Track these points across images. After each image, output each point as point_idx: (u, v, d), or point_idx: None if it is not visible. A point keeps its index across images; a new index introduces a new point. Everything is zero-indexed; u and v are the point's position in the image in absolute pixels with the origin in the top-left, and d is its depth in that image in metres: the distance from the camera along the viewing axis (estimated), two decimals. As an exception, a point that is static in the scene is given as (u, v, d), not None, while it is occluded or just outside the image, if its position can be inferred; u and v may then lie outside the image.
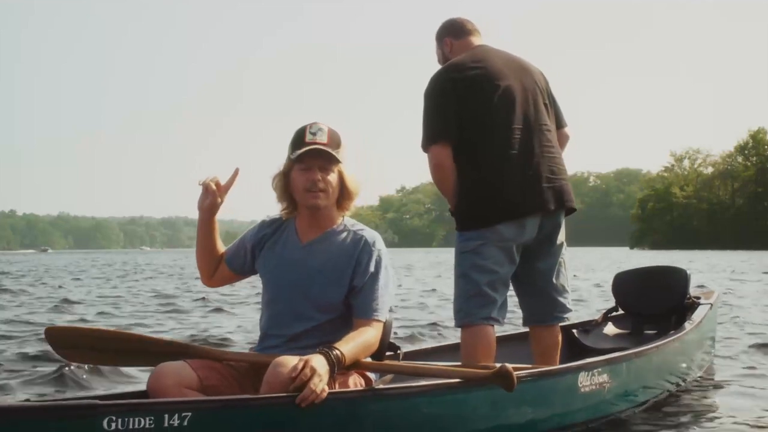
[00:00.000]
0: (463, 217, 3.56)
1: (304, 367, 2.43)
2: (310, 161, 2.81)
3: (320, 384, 2.43)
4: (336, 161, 2.82)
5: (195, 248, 3.04)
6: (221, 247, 3.05)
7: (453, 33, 3.77)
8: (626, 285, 5.16)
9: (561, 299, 3.68)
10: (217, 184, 2.93)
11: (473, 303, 3.49)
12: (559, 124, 3.81)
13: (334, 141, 2.84)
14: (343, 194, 2.88)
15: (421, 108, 3.59)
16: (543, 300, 3.68)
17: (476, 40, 3.75)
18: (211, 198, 2.92)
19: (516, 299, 3.79)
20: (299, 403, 2.39)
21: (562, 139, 3.82)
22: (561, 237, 3.67)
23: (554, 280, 3.66)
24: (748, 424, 3.65)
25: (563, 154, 3.84)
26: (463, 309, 3.53)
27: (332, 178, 2.84)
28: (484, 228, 3.48)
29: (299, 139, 2.84)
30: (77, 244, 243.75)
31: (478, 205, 3.50)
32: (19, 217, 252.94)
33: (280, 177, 2.91)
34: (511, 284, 3.66)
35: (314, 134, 2.83)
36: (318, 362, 2.47)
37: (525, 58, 3.77)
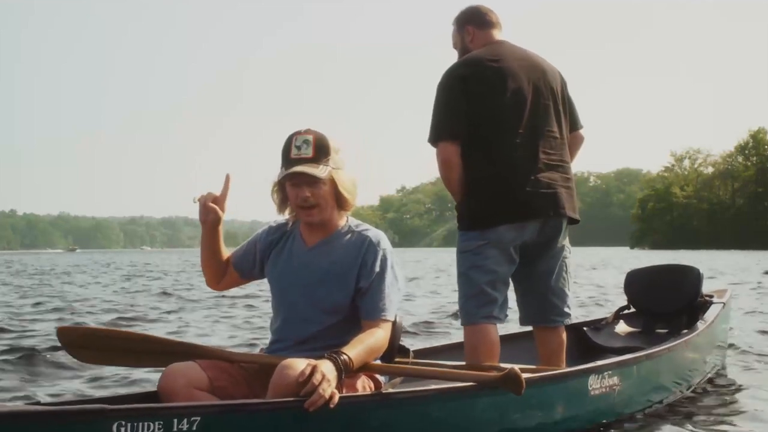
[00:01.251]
0: (465, 217, 3.55)
1: (313, 372, 2.41)
2: (297, 179, 2.77)
3: (329, 389, 2.41)
4: (320, 179, 2.75)
5: (200, 254, 3.01)
6: (226, 252, 3.04)
7: (476, 22, 3.67)
8: (638, 283, 5.13)
9: (559, 302, 3.66)
10: (214, 199, 2.89)
11: (474, 302, 3.49)
12: (574, 126, 3.75)
13: (321, 150, 2.77)
14: (339, 197, 2.84)
15: (432, 101, 3.53)
16: (540, 302, 3.66)
17: (497, 34, 3.67)
18: (213, 214, 2.89)
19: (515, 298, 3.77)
20: (308, 407, 2.38)
21: (576, 142, 3.77)
22: (563, 241, 3.64)
23: (553, 283, 3.63)
24: (761, 426, 3.62)
25: (577, 156, 3.82)
26: (464, 308, 3.54)
27: (324, 190, 2.78)
28: (484, 229, 3.47)
29: (286, 152, 2.80)
30: (77, 244, 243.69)
31: (480, 206, 3.49)
32: (19, 216, 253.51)
33: (278, 188, 2.88)
34: (511, 283, 3.64)
35: (299, 148, 2.77)
36: (326, 367, 2.45)
37: (543, 56, 3.69)
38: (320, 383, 2.39)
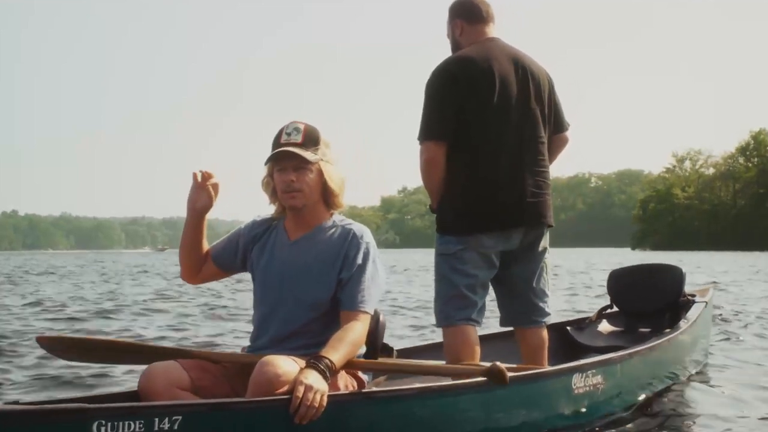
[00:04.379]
0: (446, 221, 3.54)
1: (296, 385, 2.39)
2: (284, 162, 2.81)
3: (317, 396, 2.40)
4: (307, 161, 2.78)
5: (180, 244, 2.98)
6: (206, 246, 3.02)
7: (466, 16, 3.60)
8: (621, 282, 5.15)
9: (540, 303, 3.67)
10: (213, 185, 2.89)
11: (452, 305, 3.48)
12: (560, 127, 3.72)
13: (311, 139, 2.82)
14: (326, 191, 2.86)
15: (422, 99, 3.49)
16: (522, 303, 3.66)
17: (489, 30, 3.60)
18: (205, 197, 2.88)
19: (494, 300, 3.78)
20: (299, 421, 2.37)
21: (560, 143, 3.75)
22: (544, 244, 3.65)
23: (534, 285, 3.65)
24: (742, 423, 3.64)
25: (559, 158, 3.81)
26: (443, 311, 3.52)
27: (309, 177, 2.81)
28: (465, 235, 3.47)
29: (276, 140, 2.85)
30: (79, 245, 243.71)
31: (463, 212, 3.47)
32: (20, 217, 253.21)
33: (268, 179, 2.91)
34: (490, 286, 3.64)
35: (289, 134, 2.82)
36: (311, 378, 2.43)
37: (532, 57, 3.64)
38: (304, 394, 2.38)
